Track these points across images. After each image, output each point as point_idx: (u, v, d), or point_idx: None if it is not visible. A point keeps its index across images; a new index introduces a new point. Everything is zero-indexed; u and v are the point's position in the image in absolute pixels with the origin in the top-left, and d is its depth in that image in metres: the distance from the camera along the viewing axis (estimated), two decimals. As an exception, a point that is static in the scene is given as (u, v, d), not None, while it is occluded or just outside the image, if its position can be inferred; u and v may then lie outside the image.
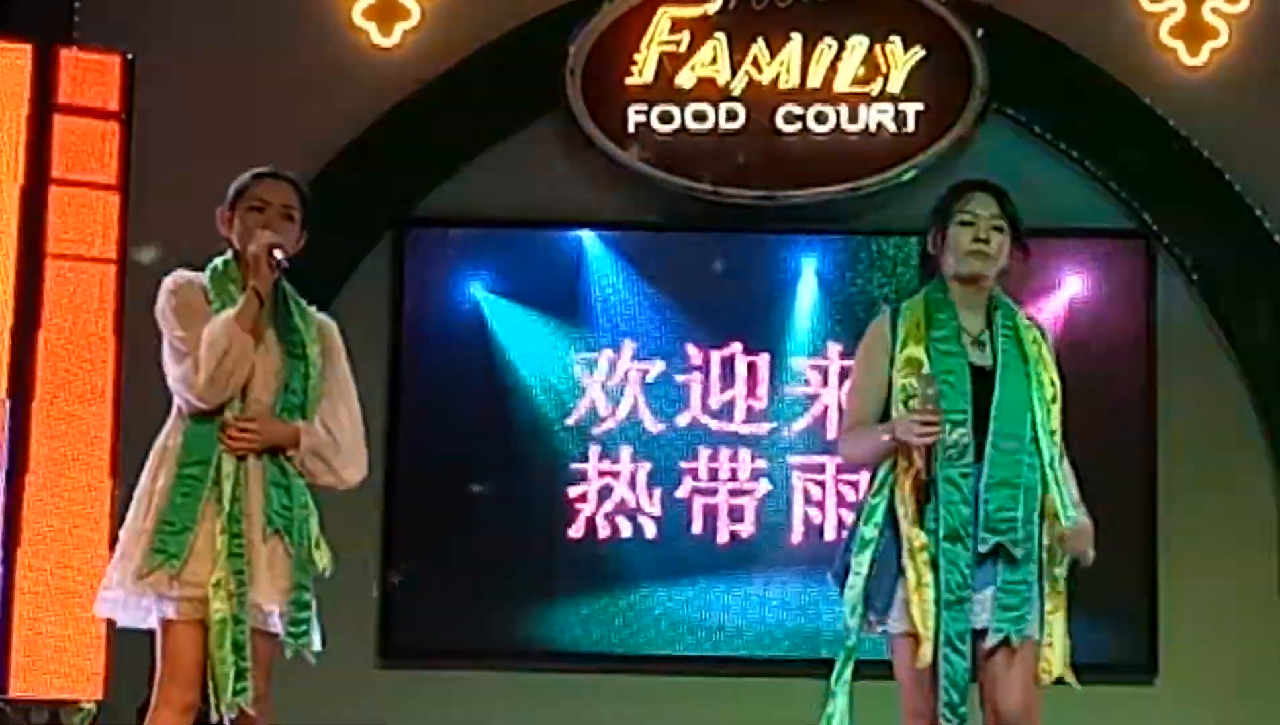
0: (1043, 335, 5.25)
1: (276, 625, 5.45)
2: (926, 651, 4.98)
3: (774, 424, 9.17)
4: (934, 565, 5.03)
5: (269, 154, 8.85)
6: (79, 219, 8.06)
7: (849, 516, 8.71)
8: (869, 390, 5.17)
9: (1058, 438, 5.08)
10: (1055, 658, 5.02)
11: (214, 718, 5.34)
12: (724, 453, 9.16)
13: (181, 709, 5.36)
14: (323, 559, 5.54)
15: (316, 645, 5.55)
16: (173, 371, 5.34)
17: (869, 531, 5.11)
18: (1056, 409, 5.12)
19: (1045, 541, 5.09)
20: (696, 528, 9.11)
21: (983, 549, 5.01)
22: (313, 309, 5.56)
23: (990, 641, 4.99)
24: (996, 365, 5.10)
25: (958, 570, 4.99)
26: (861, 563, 5.09)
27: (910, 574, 5.02)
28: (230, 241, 5.51)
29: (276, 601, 5.44)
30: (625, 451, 9.17)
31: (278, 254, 5.19)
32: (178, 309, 5.41)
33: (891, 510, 5.09)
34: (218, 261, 5.50)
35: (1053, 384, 5.15)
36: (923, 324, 5.12)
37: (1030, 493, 5.04)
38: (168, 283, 5.49)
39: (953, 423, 5.02)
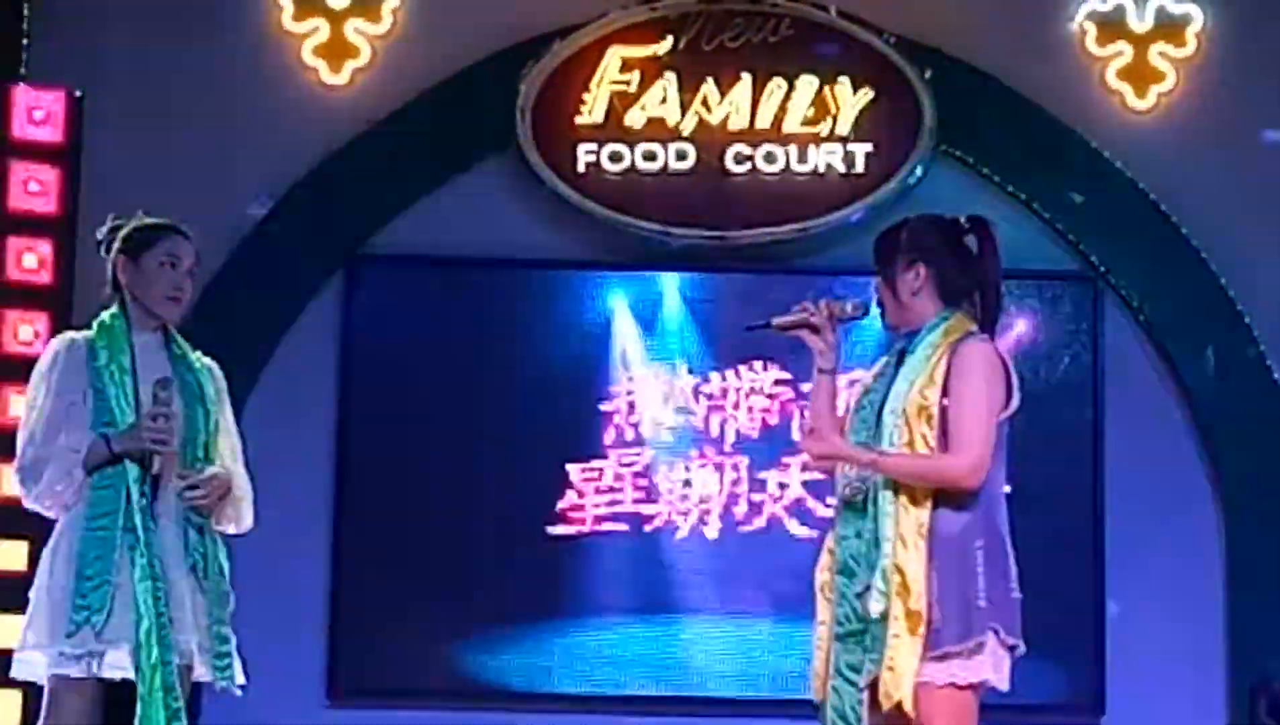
0: (957, 351, 5.01)
1: (200, 664, 5.46)
2: (818, 685, 5.01)
3: (728, 456, 9.18)
4: (832, 598, 5.03)
5: (219, 191, 8.98)
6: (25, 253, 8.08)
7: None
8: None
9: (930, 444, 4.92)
10: (893, 681, 4.87)
11: None
12: (678, 487, 9.17)
13: None
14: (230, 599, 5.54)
15: (240, 679, 5.54)
16: (20, 435, 5.35)
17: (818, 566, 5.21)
18: (932, 428, 4.98)
19: (881, 576, 4.95)
20: (652, 565, 9.10)
21: (859, 587, 4.95)
22: (198, 353, 5.59)
23: (866, 678, 4.95)
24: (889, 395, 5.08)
25: (847, 602, 4.98)
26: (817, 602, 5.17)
27: (818, 606, 5.06)
28: (126, 291, 5.53)
29: (197, 640, 5.46)
30: (577, 488, 9.17)
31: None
32: (50, 372, 5.44)
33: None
34: (105, 316, 5.52)
35: (920, 400, 5.00)
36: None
37: (881, 524, 4.97)
38: (53, 344, 5.52)
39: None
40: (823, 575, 5.03)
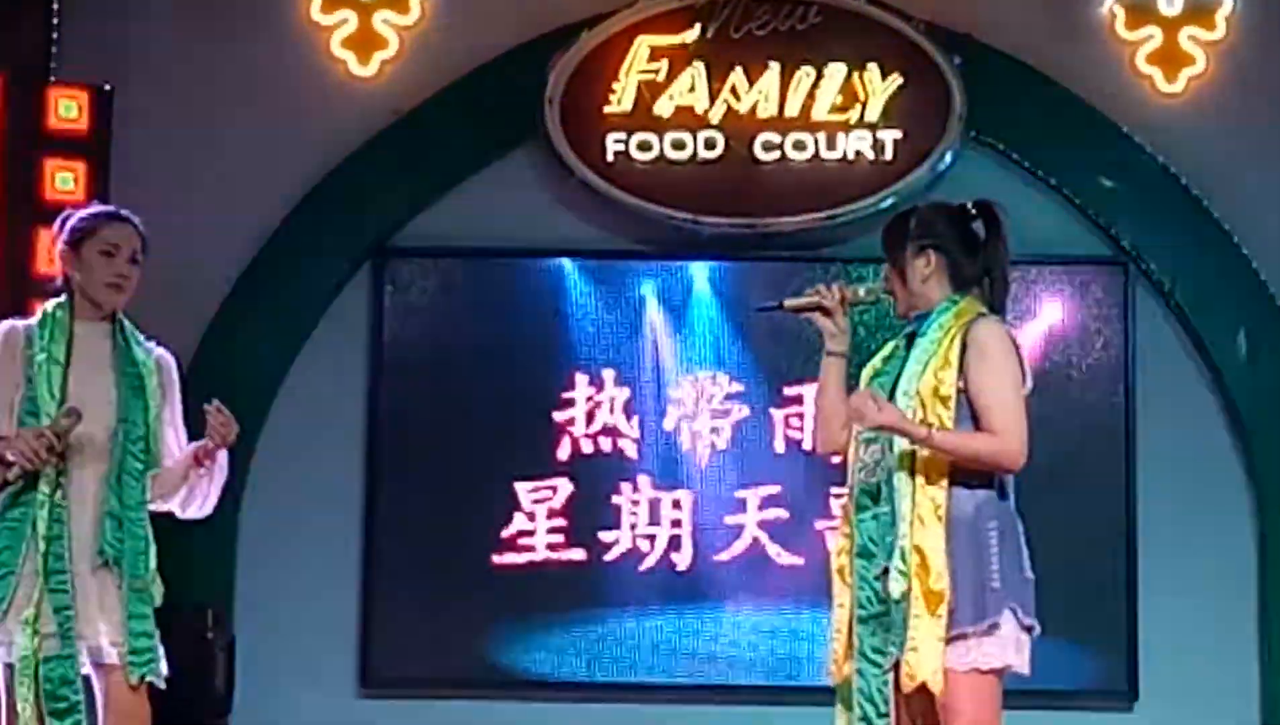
0: (971, 331, 5.06)
1: (113, 657, 5.45)
2: (843, 667, 5.02)
3: (761, 448, 9.18)
4: (852, 581, 5.03)
5: (249, 185, 9.01)
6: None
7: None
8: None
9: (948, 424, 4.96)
10: (916, 663, 4.87)
11: None
12: (703, 480, 9.16)
13: None
14: (157, 593, 5.52)
15: (164, 672, 5.51)
16: None
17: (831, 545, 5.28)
18: (948, 409, 4.98)
19: (901, 556, 4.96)
20: (672, 558, 9.09)
21: (878, 570, 4.97)
22: (151, 343, 5.59)
23: (890, 661, 4.96)
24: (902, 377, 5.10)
25: (868, 584, 4.98)
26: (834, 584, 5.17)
27: (836, 590, 5.09)
28: (67, 279, 5.55)
29: (108, 634, 5.45)
30: (605, 479, 9.16)
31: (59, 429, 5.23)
32: None
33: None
34: (50, 305, 5.54)
35: (936, 382, 5.02)
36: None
37: (897, 505, 5.00)
38: (0, 328, 5.54)
39: (868, 441, 5.05)
40: (840, 559, 5.04)
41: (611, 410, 9.20)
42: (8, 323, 5.48)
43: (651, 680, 9.04)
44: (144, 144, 8.61)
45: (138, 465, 5.38)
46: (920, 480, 4.91)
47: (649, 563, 9.12)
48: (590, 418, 9.20)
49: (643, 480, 9.17)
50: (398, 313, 9.27)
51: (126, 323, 5.51)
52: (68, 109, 8.28)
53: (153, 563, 5.39)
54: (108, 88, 8.36)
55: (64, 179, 8.21)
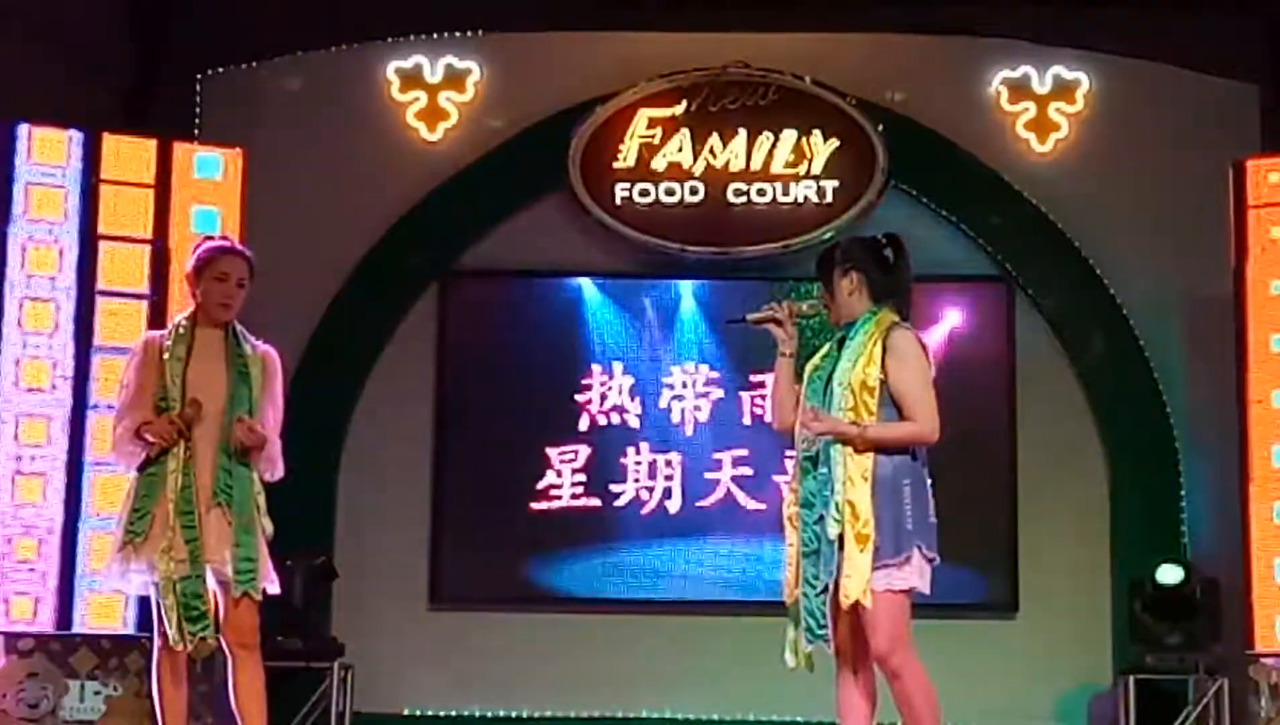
0: (889, 337, 4.95)
1: (226, 576, 5.55)
2: (793, 591, 4.99)
3: (733, 422, 9.15)
4: (798, 526, 5.00)
5: (345, 223, 9.08)
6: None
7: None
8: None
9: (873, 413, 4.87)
10: (849, 586, 4.86)
11: (180, 647, 5.29)
12: (689, 446, 9.16)
13: (171, 649, 5.32)
14: (267, 526, 5.63)
15: (272, 589, 5.55)
16: (118, 401, 5.48)
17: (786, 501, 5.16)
18: (865, 398, 4.89)
19: (836, 510, 4.89)
20: (666, 504, 9.11)
21: (816, 517, 4.94)
22: (259, 342, 5.52)
23: (821, 587, 4.94)
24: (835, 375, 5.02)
25: (809, 528, 4.97)
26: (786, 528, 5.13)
27: (788, 533, 5.04)
28: (194, 296, 5.66)
29: (226, 556, 5.56)
30: (615, 444, 9.15)
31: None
32: (133, 359, 5.52)
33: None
34: (180, 317, 5.61)
35: (863, 377, 4.91)
36: None
37: (833, 471, 4.90)
38: (138, 340, 5.63)
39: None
40: (789, 509, 5.02)
41: (619, 393, 9.21)
42: (148, 333, 5.61)
43: (651, 597, 9.02)
44: (268, 192, 8.52)
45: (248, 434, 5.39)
46: (849, 451, 4.88)
47: (649, 508, 9.13)
48: (603, 398, 9.20)
49: (643, 445, 9.18)
50: (458, 319, 9.25)
51: (238, 326, 5.48)
52: (210, 165, 8.22)
53: (257, 504, 5.43)
54: (239, 149, 8.33)
55: (206, 219, 8.10)
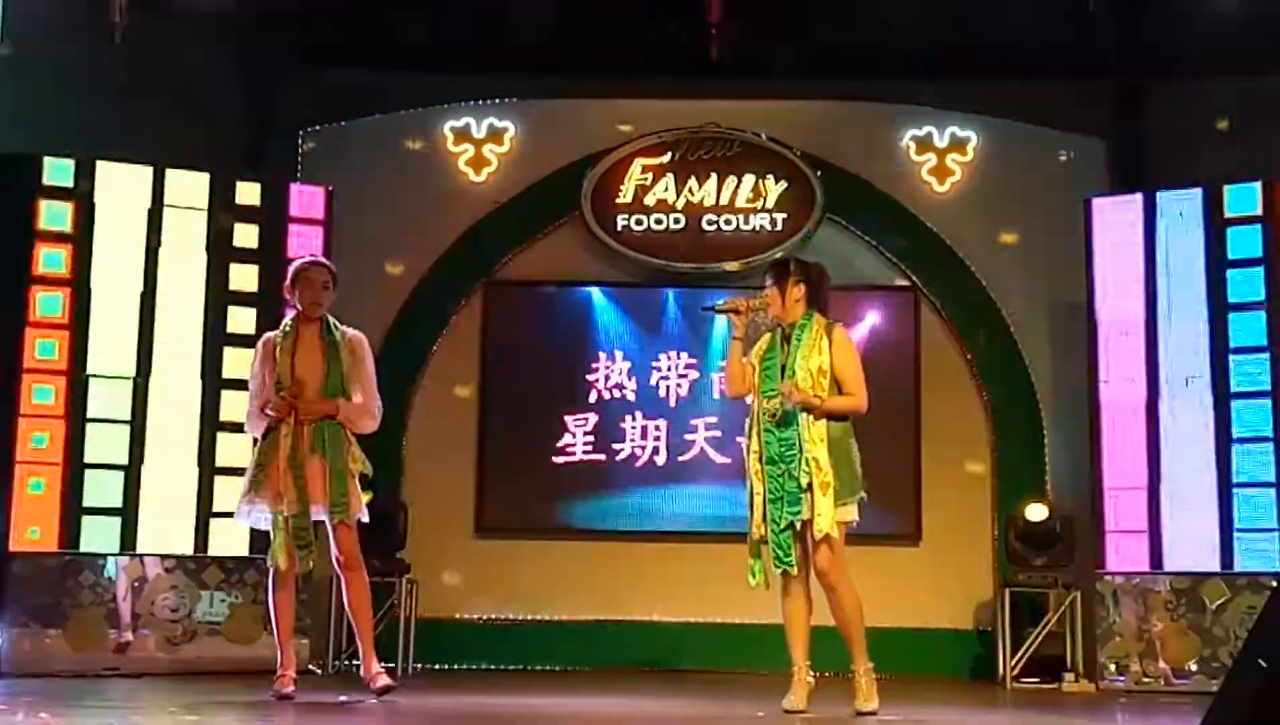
0: (831, 333, 5.16)
1: (323, 512, 5.46)
2: (760, 530, 5.11)
3: (705, 399, 9.10)
4: (763, 478, 5.12)
5: (411, 244, 9.08)
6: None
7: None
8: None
9: (825, 390, 5.03)
10: (821, 522, 4.99)
11: (289, 567, 5.41)
12: (672, 414, 9.12)
13: (283, 571, 5.46)
14: (363, 466, 5.55)
15: (361, 518, 5.52)
16: (249, 388, 5.57)
17: (746, 458, 5.23)
18: (819, 379, 5.05)
19: (807, 464, 5.00)
20: (655, 459, 9.08)
21: (780, 471, 5.07)
22: (348, 328, 5.63)
23: (783, 524, 5.05)
24: (789, 360, 5.13)
25: (774, 479, 5.08)
26: (750, 475, 5.20)
27: (754, 484, 5.15)
28: (292, 302, 5.66)
29: (323, 497, 5.50)
30: (617, 416, 9.11)
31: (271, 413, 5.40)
32: (256, 355, 5.60)
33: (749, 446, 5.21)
34: (286, 319, 5.67)
35: (819, 362, 5.07)
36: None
37: (798, 435, 5.02)
38: (262, 338, 5.66)
39: (768, 397, 5.13)
40: (754, 465, 5.15)
41: (620, 374, 9.13)
42: (266, 335, 5.66)
43: (644, 529, 8.96)
44: (352, 222, 8.50)
45: (334, 399, 5.51)
46: (810, 418, 5.07)
47: (642, 461, 9.08)
48: (608, 378, 9.13)
49: (638, 414, 9.11)
50: (497, 317, 9.20)
51: (330, 318, 5.62)
52: (308, 201, 8.15)
53: (350, 454, 5.49)
54: (330, 188, 8.31)
55: (305, 242, 8.00)
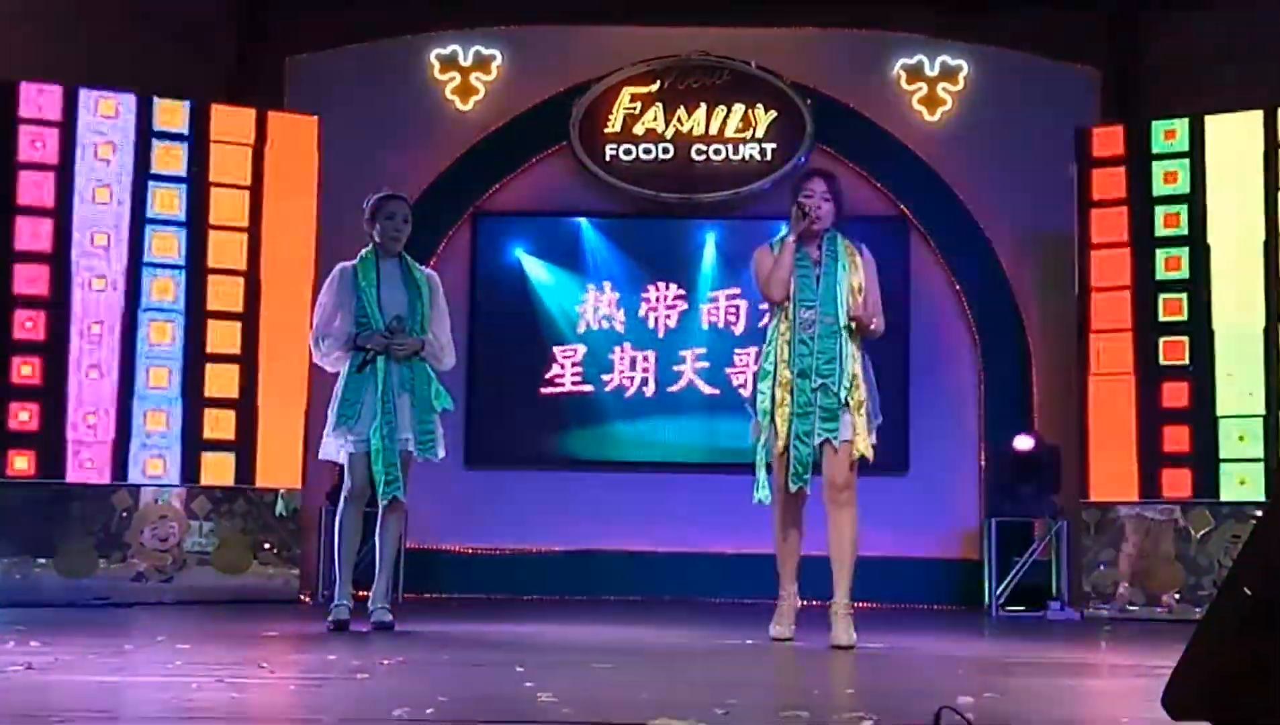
0: (859, 252, 5.20)
1: (412, 445, 5.65)
2: (783, 443, 5.03)
3: (694, 330, 9.09)
4: (790, 390, 5.05)
5: (399, 174, 8.96)
6: (287, 216, 7.98)
7: (735, 378, 9.02)
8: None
9: (857, 310, 5.05)
10: (860, 444, 5.07)
11: (380, 501, 5.54)
12: (661, 345, 9.12)
13: (357, 499, 5.58)
14: (444, 402, 5.73)
15: (440, 454, 5.74)
16: (315, 315, 5.61)
17: (767, 366, 5.11)
18: (859, 297, 5.10)
19: (847, 380, 5.01)
20: (644, 390, 9.08)
21: (815, 383, 5.03)
22: (425, 268, 5.77)
23: (817, 440, 5.02)
24: (823, 272, 5.10)
25: (805, 393, 5.03)
26: (764, 387, 5.10)
27: (777, 395, 5.08)
28: (371, 236, 5.70)
29: (410, 431, 5.64)
30: (606, 347, 9.11)
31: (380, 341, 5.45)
32: (330, 284, 5.63)
33: (774, 356, 5.09)
34: (364, 252, 5.70)
35: (859, 281, 5.12)
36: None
37: (840, 350, 5.02)
38: (336, 268, 5.71)
39: (805, 306, 5.04)
40: (784, 375, 5.03)
41: (608, 305, 9.13)
42: (341, 264, 5.66)
43: (634, 459, 8.98)
44: (339, 151, 8.36)
45: (420, 336, 5.56)
46: (847, 336, 5.05)
47: (630, 392, 9.09)
48: (596, 309, 9.13)
49: (626, 345, 9.12)
50: (486, 248, 9.18)
51: (407, 257, 5.67)
52: (295, 130, 8.05)
53: (434, 388, 5.59)
54: (320, 116, 8.19)
55: (291, 172, 7.97)
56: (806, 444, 4.97)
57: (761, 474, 5.08)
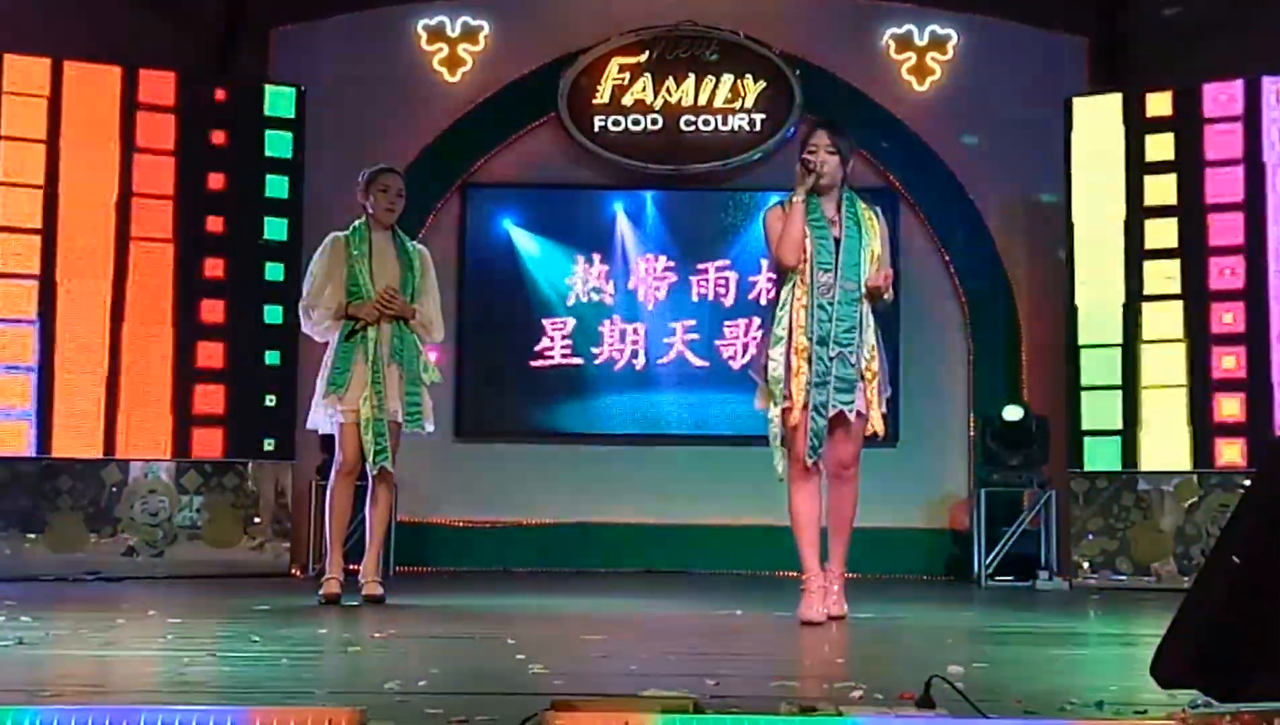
0: (876, 216, 5.00)
1: (400, 416, 5.65)
2: (798, 415, 4.80)
3: (684, 302, 9.08)
4: (808, 358, 4.80)
5: (386, 146, 8.94)
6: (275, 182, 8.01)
7: (725, 350, 9.02)
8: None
9: (877, 279, 4.82)
10: (875, 420, 4.94)
11: (370, 472, 5.57)
12: (650, 317, 9.09)
13: (348, 471, 5.59)
14: (433, 375, 5.75)
15: (429, 428, 5.75)
16: (305, 284, 5.62)
17: (780, 332, 4.84)
18: (876, 263, 4.87)
19: (867, 351, 4.86)
20: (634, 362, 9.06)
21: (833, 352, 4.82)
22: (416, 242, 5.77)
23: (832, 412, 4.80)
24: (843, 236, 4.88)
25: (824, 362, 4.80)
26: (776, 354, 4.84)
27: (793, 363, 4.83)
28: (365, 208, 5.70)
29: (399, 403, 5.64)
30: (596, 320, 9.09)
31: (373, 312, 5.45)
32: (322, 254, 5.64)
33: (789, 321, 4.82)
34: (357, 223, 5.70)
35: (877, 248, 4.89)
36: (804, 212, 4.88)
37: (860, 319, 4.83)
38: (328, 237, 5.72)
39: (824, 270, 4.81)
40: (801, 342, 4.78)
41: (598, 277, 9.10)
42: (333, 234, 5.66)
43: (622, 432, 8.99)
44: (326, 122, 8.39)
45: (409, 308, 5.59)
46: (867, 305, 4.91)
47: (620, 365, 9.07)
48: (585, 281, 9.09)
49: (616, 317, 9.10)
50: (475, 220, 9.13)
51: (398, 230, 5.68)
52: (279, 102, 8.05)
53: (422, 361, 5.61)
54: (303, 89, 8.21)
55: (281, 142, 8.02)
56: (823, 416, 4.77)
57: (777, 447, 4.83)
